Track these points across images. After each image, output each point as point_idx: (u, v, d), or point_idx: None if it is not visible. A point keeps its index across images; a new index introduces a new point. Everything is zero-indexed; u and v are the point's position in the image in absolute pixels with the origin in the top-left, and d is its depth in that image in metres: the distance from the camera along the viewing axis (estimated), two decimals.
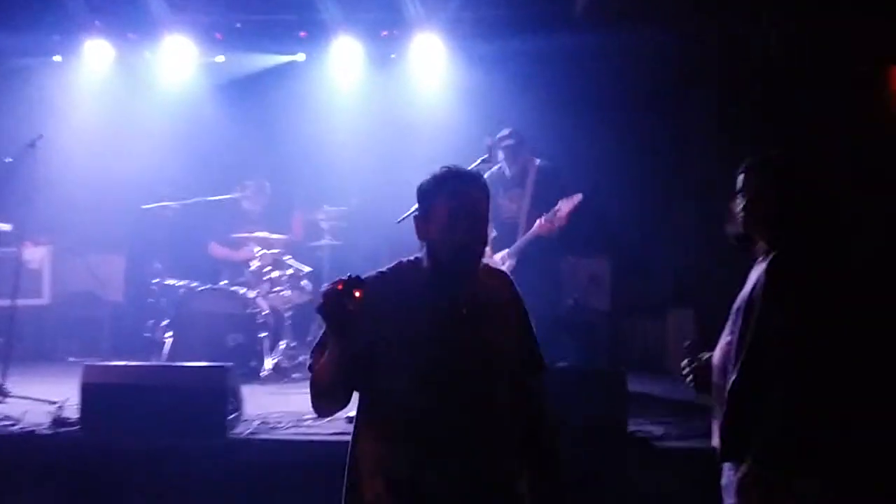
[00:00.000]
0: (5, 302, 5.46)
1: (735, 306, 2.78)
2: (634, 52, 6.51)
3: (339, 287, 2.14)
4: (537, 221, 5.71)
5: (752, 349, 2.63)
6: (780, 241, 2.67)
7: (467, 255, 2.30)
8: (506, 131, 5.92)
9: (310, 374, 2.33)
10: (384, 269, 2.38)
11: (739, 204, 2.78)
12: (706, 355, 2.85)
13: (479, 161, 5.32)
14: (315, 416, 2.52)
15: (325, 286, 2.25)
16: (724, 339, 2.79)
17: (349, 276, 2.15)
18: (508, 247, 5.87)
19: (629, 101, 7.01)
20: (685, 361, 2.90)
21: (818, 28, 6.11)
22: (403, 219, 4.87)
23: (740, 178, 2.80)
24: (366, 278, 2.20)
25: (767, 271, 2.63)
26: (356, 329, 2.17)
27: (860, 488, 3.36)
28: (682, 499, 4.12)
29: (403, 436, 2.26)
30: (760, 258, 2.75)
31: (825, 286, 2.65)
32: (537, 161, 5.98)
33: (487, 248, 6.09)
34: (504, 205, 5.95)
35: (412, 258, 2.39)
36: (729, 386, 2.66)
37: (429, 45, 7.31)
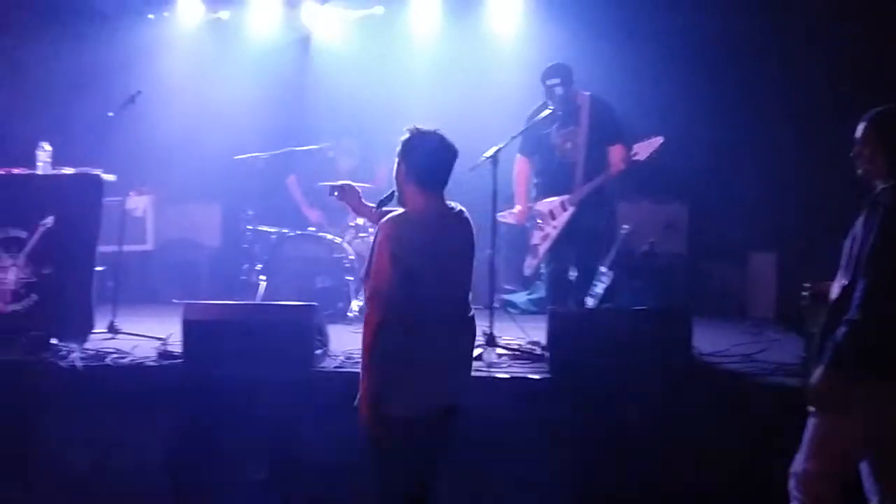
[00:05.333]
0: (113, 248, 5.90)
1: (847, 246, 3.01)
2: None
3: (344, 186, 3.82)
4: (612, 166, 5.61)
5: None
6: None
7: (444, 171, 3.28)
8: (549, 71, 5.69)
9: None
10: (397, 214, 3.26)
11: (859, 151, 3.09)
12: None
13: (540, 111, 5.45)
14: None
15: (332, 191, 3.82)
16: (839, 283, 3.01)
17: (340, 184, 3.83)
18: (564, 189, 5.71)
19: (703, 41, 6.88)
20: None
21: None
22: (476, 167, 5.05)
23: (860, 128, 3.09)
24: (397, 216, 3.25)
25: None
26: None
27: None
28: (746, 433, 4.27)
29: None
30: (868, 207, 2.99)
31: None
32: (587, 93, 5.75)
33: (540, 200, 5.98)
34: (558, 145, 5.75)
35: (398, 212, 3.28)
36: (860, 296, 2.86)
37: None
